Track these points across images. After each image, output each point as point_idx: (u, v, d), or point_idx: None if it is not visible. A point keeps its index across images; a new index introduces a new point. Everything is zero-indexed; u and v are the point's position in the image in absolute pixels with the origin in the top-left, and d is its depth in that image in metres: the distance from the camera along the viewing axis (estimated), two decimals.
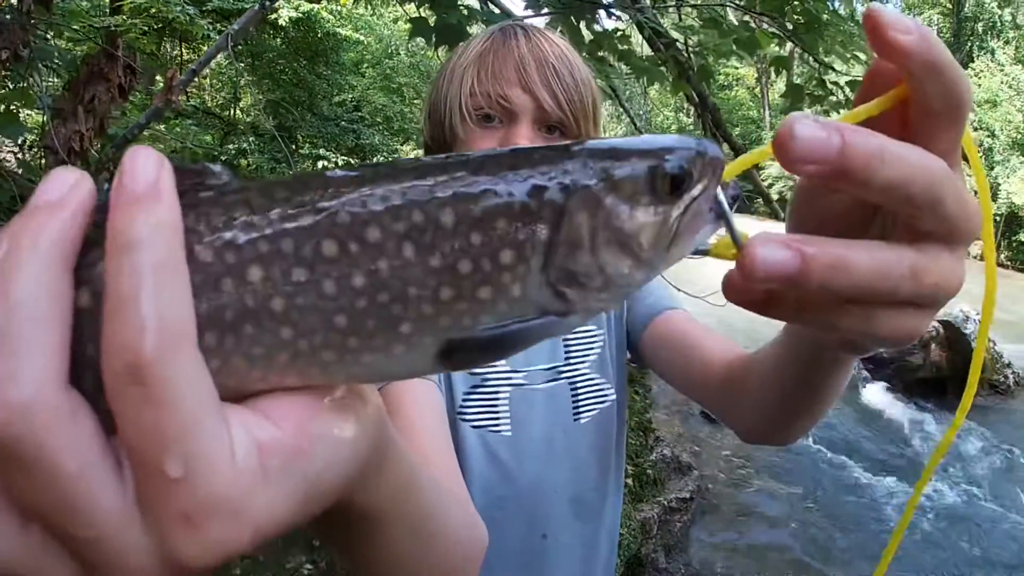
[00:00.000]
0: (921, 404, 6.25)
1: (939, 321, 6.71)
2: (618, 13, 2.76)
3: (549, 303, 0.31)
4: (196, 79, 2.07)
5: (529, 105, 0.89)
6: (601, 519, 1.00)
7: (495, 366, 0.94)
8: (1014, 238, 23.10)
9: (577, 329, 0.93)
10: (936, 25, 30.65)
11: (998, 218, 23.21)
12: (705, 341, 0.91)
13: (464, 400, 0.93)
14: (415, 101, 21.63)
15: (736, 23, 2.74)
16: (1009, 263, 23.02)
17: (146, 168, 0.25)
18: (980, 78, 24.26)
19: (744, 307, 0.34)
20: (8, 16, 1.66)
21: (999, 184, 23.20)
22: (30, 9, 1.79)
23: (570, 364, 0.98)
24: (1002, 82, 24.63)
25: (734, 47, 2.50)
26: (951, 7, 29.42)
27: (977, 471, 5.27)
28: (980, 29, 28.29)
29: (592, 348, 1.00)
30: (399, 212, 0.28)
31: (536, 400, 0.95)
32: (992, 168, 23.76)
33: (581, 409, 0.98)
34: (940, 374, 6.63)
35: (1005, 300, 14.36)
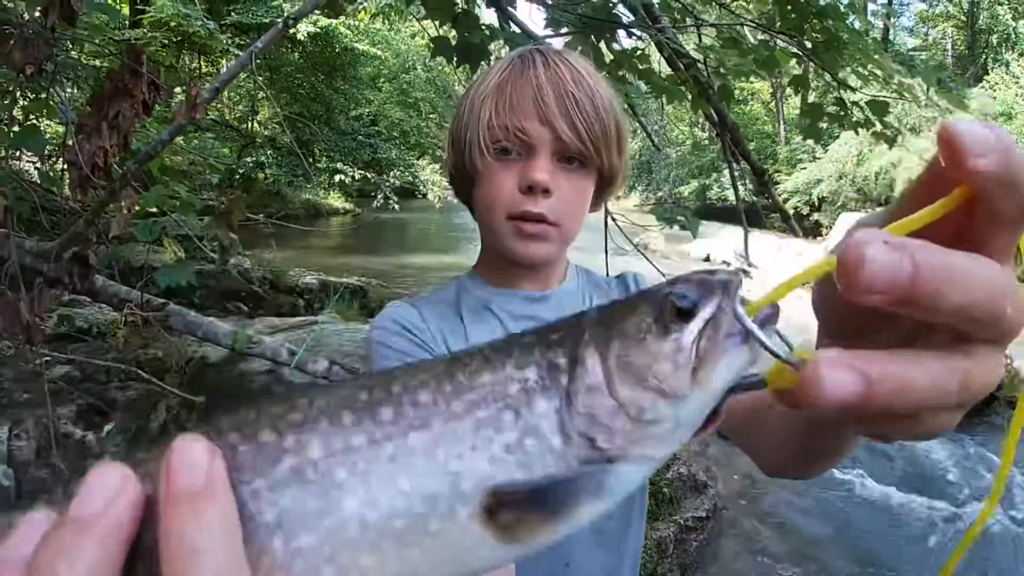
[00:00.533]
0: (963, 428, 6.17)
1: None
2: (638, 33, 2.77)
3: (585, 454, 0.31)
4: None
5: (547, 137, 0.87)
6: (624, 546, 0.98)
7: None
8: None
9: None
10: (950, 38, 30.52)
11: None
12: None
13: None
14: (431, 115, 21.80)
15: (755, 42, 2.74)
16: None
17: (198, 461, 0.25)
18: (995, 90, 24.07)
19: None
20: (32, 32, 1.70)
21: None
22: (55, 25, 1.83)
23: None
24: (1017, 94, 24.41)
25: (754, 67, 2.49)
26: (965, 20, 29.28)
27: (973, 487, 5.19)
28: (995, 41, 28.12)
29: None
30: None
31: None
32: None
33: None
34: None
35: None
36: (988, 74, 25.34)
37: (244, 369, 3.66)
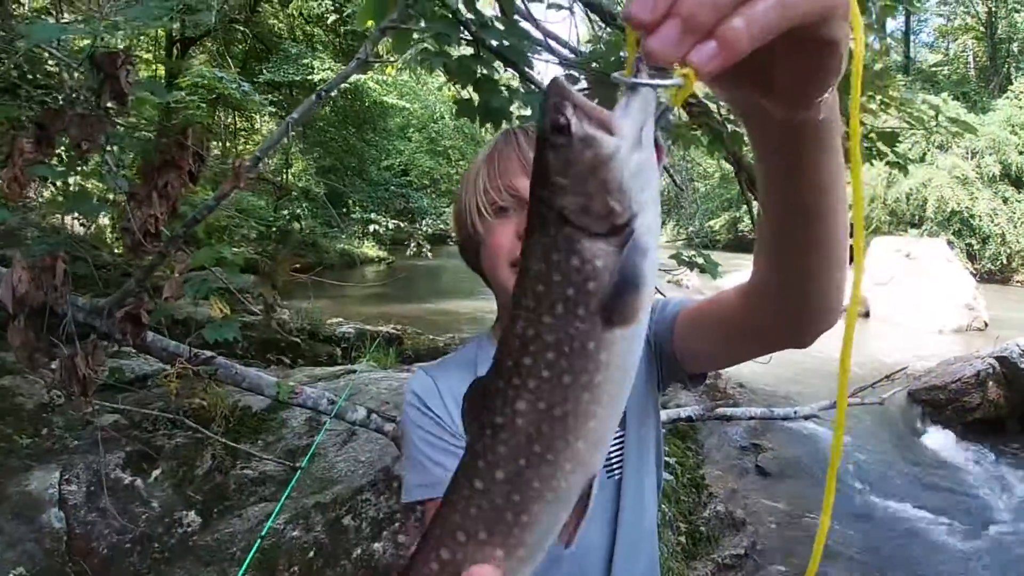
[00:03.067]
0: (981, 445, 5.99)
1: (995, 357, 6.47)
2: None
3: (616, 240, 0.47)
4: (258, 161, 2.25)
5: None
6: (620, 518, 1.04)
7: None
8: None
9: None
10: (971, 50, 30.06)
11: None
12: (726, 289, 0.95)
13: None
14: (460, 162, 22.17)
15: None
16: None
17: None
18: (1021, 99, 23.44)
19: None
20: (88, 110, 1.88)
21: None
22: (108, 106, 2.01)
23: None
24: None
25: None
26: (984, 31, 28.87)
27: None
28: (1015, 49, 27.55)
29: None
30: None
31: None
32: None
33: (613, 465, 1.04)
34: (999, 412, 6.36)
35: None
36: (1012, 83, 24.77)
37: (285, 417, 3.78)
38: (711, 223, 34.94)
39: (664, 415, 4.81)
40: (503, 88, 2.29)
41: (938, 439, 6.17)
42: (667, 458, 4.46)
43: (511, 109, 2.34)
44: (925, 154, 23.65)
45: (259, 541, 2.55)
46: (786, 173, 0.60)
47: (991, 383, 6.32)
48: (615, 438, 1.01)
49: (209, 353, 2.92)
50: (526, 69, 2.39)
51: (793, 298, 0.73)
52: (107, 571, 2.74)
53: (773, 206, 0.65)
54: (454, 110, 2.62)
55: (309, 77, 15.03)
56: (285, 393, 3.03)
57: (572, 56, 2.81)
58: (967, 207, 22.59)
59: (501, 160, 1.02)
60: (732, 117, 2.86)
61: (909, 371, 6.89)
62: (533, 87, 2.42)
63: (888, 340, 10.08)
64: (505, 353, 0.51)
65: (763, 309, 0.79)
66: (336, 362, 5.76)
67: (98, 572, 2.73)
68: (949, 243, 21.19)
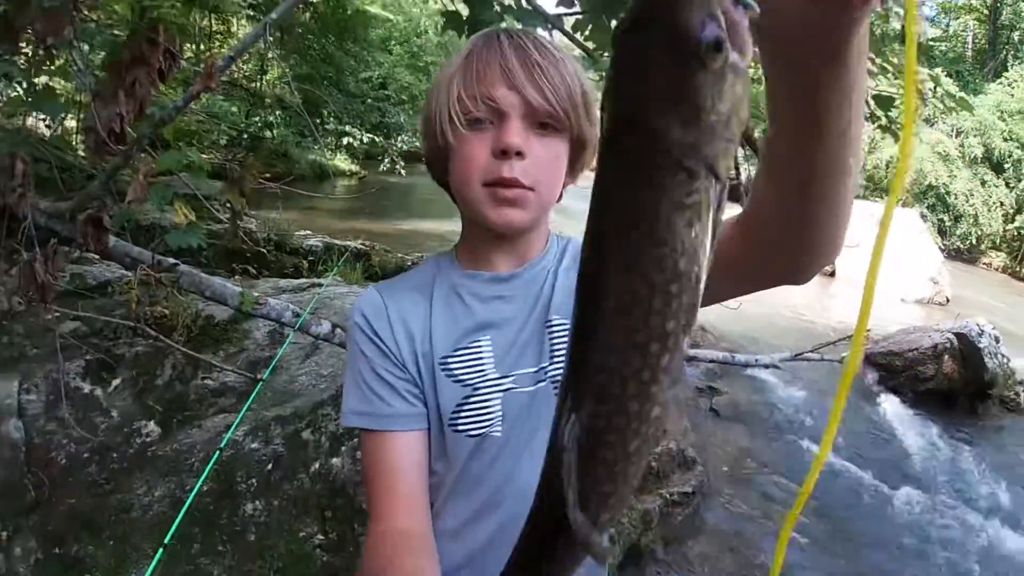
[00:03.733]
0: (930, 415, 6.23)
1: (955, 333, 6.66)
2: None
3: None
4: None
5: (516, 102, 0.89)
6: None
7: (486, 376, 0.96)
8: None
9: (561, 328, 0.97)
10: (971, 31, 29.97)
11: (1021, 231, 22.82)
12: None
13: (456, 411, 0.95)
14: None
15: None
16: None
17: None
18: (1013, 88, 23.69)
19: None
20: (57, 4, 1.74)
21: None
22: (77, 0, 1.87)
23: (554, 363, 0.97)
24: None
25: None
26: (988, 14, 28.75)
27: (980, 489, 5.27)
28: (1016, 38, 27.60)
29: None
30: None
31: (525, 402, 0.96)
32: (1020, 181, 23.31)
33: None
34: (951, 387, 6.60)
35: (1023, 314, 14.22)
36: (1007, 71, 24.91)
37: (248, 328, 3.73)
38: None
39: None
40: (496, 2, 2.19)
41: (890, 404, 6.39)
42: None
43: (502, 24, 2.24)
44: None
45: (218, 453, 2.53)
46: (817, 85, 0.53)
47: (947, 357, 6.52)
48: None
49: (172, 260, 2.84)
50: None
51: (800, 226, 0.66)
52: (66, 481, 2.71)
53: (794, 119, 0.57)
54: (439, 25, 2.49)
55: None
56: (249, 304, 2.98)
57: None
58: (944, 184, 23.02)
59: (480, 66, 0.91)
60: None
61: (868, 334, 7.07)
62: (528, 5, 2.31)
63: (851, 301, 10.31)
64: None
65: (764, 242, 0.72)
66: (302, 275, 5.66)
67: (57, 482, 2.69)
68: (922, 216, 21.64)
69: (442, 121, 0.92)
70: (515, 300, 0.99)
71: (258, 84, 16.64)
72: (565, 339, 0.95)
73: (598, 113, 0.92)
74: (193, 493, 2.32)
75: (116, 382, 3.15)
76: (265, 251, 5.87)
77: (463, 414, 0.95)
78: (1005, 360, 6.96)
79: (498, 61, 0.90)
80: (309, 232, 6.87)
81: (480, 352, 0.97)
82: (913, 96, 0.39)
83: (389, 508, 0.91)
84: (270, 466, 2.81)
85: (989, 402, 6.86)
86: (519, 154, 0.89)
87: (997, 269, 23.49)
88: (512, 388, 0.96)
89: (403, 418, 0.94)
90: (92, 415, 2.97)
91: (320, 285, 4.65)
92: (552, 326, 0.97)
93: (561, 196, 1.02)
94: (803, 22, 0.47)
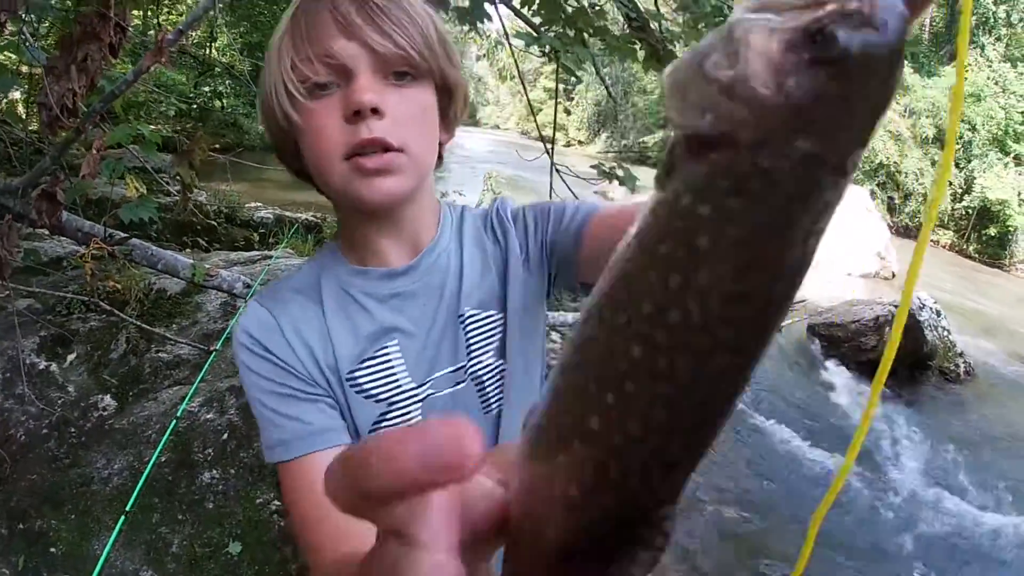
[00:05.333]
0: (871, 384, 6.47)
1: (895, 306, 6.91)
2: None
3: None
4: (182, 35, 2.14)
5: (360, 52, 0.74)
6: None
7: (401, 388, 0.85)
8: (984, 231, 23.47)
9: (475, 320, 0.88)
10: (929, 14, 30.50)
11: (970, 211, 23.64)
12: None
13: (374, 431, 0.84)
14: None
15: (709, 7, 2.83)
16: (977, 256, 23.45)
17: None
18: (967, 71, 24.26)
19: None
20: None
21: (974, 178, 23.52)
22: None
23: (472, 359, 0.88)
24: (988, 77, 24.74)
25: (707, 32, 2.59)
26: None
27: (916, 454, 5.51)
28: (973, 23, 28.27)
29: (492, 335, 0.89)
30: None
31: (447, 405, 0.87)
32: (970, 162, 24.03)
33: (491, 401, 0.89)
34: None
35: (967, 290, 14.76)
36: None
37: (200, 300, 3.75)
38: (645, 139, 34.96)
39: (571, 317, 4.95)
40: None
41: (832, 373, 6.64)
42: None
43: None
44: None
45: (173, 423, 2.59)
46: None
47: (888, 329, 6.77)
48: (495, 370, 0.89)
49: (124, 234, 2.85)
50: None
51: None
52: (25, 457, 2.73)
53: None
54: None
55: None
56: (200, 275, 3.00)
57: None
58: (895, 162, 23.76)
59: (309, 22, 0.76)
60: (669, 37, 2.88)
61: (812, 307, 7.31)
62: None
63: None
64: None
65: None
66: (253, 247, 5.66)
67: (16, 458, 2.72)
68: (872, 193, 22.29)
69: (279, 98, 0.77)
70: (417, 296, 0.87)
71: (207, 51, 16.15)
72: (482, 331, 0.89)
73: (458, 56, 0.84)
74: (151, 464, 2.38)
75: (71, 357, 3.16)
76: (216, 224, 5.83)
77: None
78: (946, 333, 7.28)
79: (328, 11, 0.75)
80: (260, 204, 6.82)
81: (389, 361, 0.85)
82: (955, 130, 0.37)
83: (328, 537, 0.77)
84: (225, 435, 2.86)
85: (929, 372, 7.18)
86: (375, 111, 0.74)
87: (944, 247, 24.30)
88: (431, 394, 0.86)
89: (325, 434, 0.81)
90: (49, 390, 2.99)
91: (271, 257, 4.67)
92: (464, 319, 0.88)
93: (441, 157, 0.88)
94: None
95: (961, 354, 7.60)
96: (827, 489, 0.42)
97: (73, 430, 2.87)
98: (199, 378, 2.84)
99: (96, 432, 2.88)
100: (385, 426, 0.84)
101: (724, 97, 0.27)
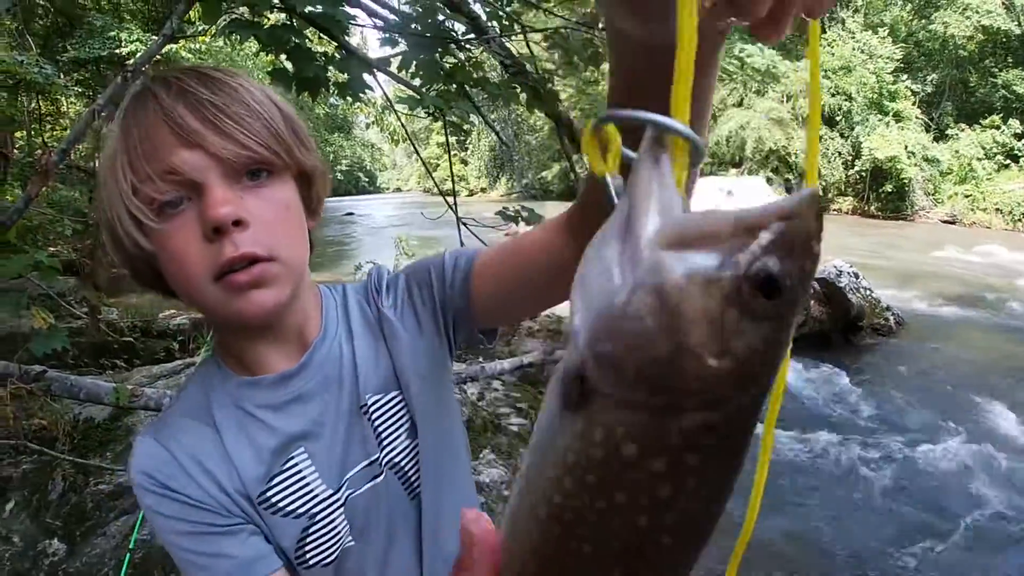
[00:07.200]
0: (811, 358, 6.69)
1: (816, 279, 7.23)
2: (468, 46, 2.94)
3: None
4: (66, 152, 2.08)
5: (205, 162, 0.68)
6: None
7: (318, 498, 0.81)
8: (881, 190, 24.86)
9: (379, 406, 0.85)
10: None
11: (863, 174, 25.05)
12: (527, 232, 0.79)
13: (300, 547, 0.80)
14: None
15: (579, 42, 2.96)
16: (879, 213, 24.79)
17: None
18: (833, 47, 25.87)
19: None
20: None
21: (861, 143, 24.92)
22: None
23: (385, 449, 0.84)
24: (854, 48, 26.38)
25: (580, 64, 2.72)
26: None
27: (862, 411, 5.71)
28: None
29: (400, 417, 0.86)
30: None
31: (368, 503, 0.83)
32: (853, 129, 25.47)
33: (414, 484, 0.86)
34: (823, 328, 7.16)
35: (878, 247, 15.52)
36: (825, 32, 27.29)
37: (131, 423, 3.59)
38: (544, 174, 35.97)
39: (507, 363, 4.97)
40: (318, 56, 2.25)
41: None
42: (519, 404, 4.65)
43: (327, 76, 2.29)
44: (743, 99, 25.84)
45: (128, 556, 2.45)
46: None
47: (813, 302, 7.06)
48: (412, 452, 0.86)
49: (40, 368, 2.72)
50: (342, 36, 2.36)
51: None
52: None
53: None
54: (266, 83, 2.53)
55: (117, 51, 13.70)
56: (124, 397, 2.89)
57: (393, 18, 2.79)
58: (783, 146, 25.06)
59: (143, 136, 0.68)
60: (547, 76, 2.99)
61: None
62: (348, 53, 2.38)
63: None
64: None
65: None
66: (174, 357, 5.44)
67: None
68: (768, 180, 23.41)
69: (124, 226, 0.69)
70: (315, 394, 0.82)
71: (95, 163, 15.67)
72: (389, 416, 0.85)
73: (310, 139, 0.79)
74: None
75: (10, 506, 2.99)
76: (133, 340, 5.59)
77: (308, 547, 0.80)
78: (868, 292, 7.62)
79: (161, 120, 0.68)
80: (173, 311, 6.60)
81: (300, 472, 0.80)
82: (818, 116, 0.38)
83: None
84: None
85: (863, 333, 7.50)
86: (238, 223, 0.68)
87: (847, 212, 25.62)
88: (350, 494, 0.82)
89: (254, 565, 0.76)
90: None
91: (194, 364, 4.53)
92: (368, 408, 0.83)
93: (313, 245, 0.82)
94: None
95: (888, 308, 7.96)
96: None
97: None
98: None
99: None
100: (310, 540, 0.80)
101: (667, 368, 0.27)
